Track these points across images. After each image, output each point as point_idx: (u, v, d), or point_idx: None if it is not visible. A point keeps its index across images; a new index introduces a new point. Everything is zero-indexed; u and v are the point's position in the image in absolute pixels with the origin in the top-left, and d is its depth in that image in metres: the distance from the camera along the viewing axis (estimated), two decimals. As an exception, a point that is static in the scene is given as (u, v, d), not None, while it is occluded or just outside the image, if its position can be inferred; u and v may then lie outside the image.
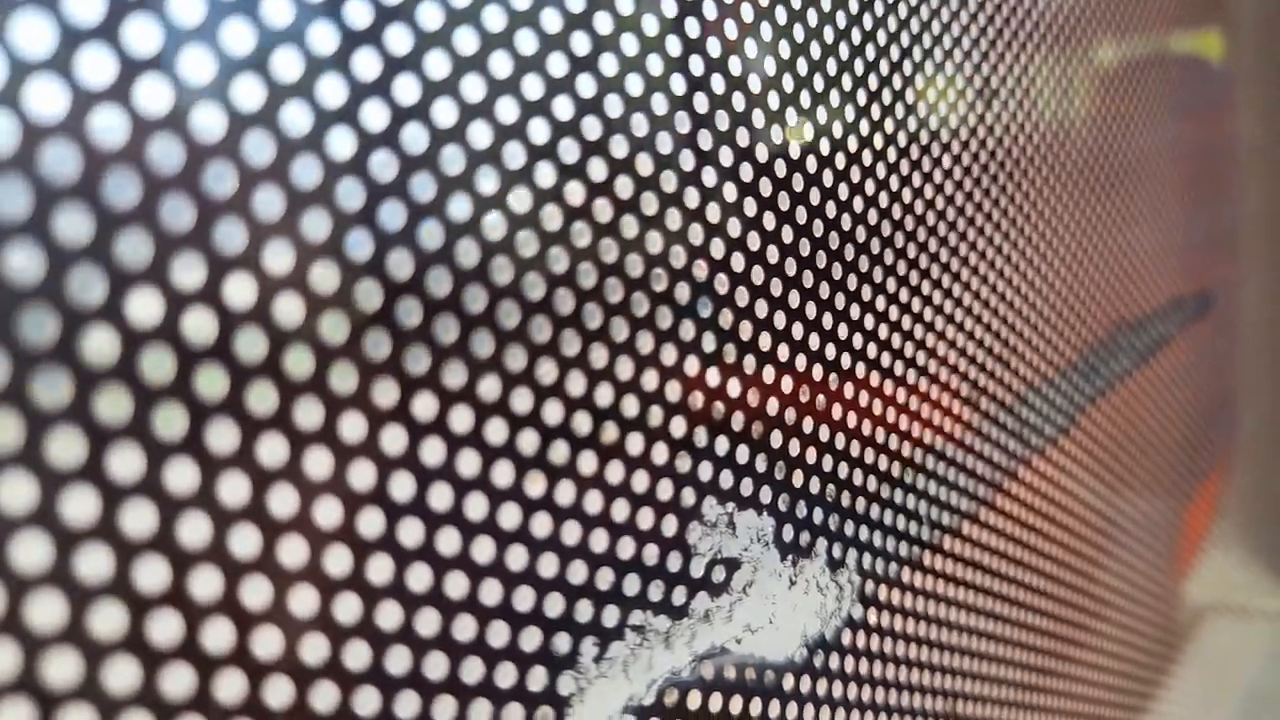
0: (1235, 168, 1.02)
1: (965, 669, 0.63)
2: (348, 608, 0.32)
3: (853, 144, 0.50)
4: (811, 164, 0.47)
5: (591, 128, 0.38)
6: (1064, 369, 0.75)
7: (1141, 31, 0.87)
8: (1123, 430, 0.91)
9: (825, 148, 0.48)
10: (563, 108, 0.37)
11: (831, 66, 0.49)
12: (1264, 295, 1.01)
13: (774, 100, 0.45)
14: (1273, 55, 0.96)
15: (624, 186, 0.39)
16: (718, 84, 0.43)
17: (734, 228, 0.41)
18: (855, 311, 0.49)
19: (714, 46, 0.43)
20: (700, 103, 0.42)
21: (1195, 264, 1.07)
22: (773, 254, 0.43)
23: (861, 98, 0.51)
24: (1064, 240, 0.72)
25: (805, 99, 0.47)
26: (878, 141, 0.52)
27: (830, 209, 0.47)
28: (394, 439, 0.33)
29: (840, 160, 0.49)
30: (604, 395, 0.39)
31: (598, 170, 0.39)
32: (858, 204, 0.49)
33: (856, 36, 0.51)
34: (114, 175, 0.26)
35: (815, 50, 0.48)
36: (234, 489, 0.29)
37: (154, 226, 0.27)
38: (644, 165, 0.40)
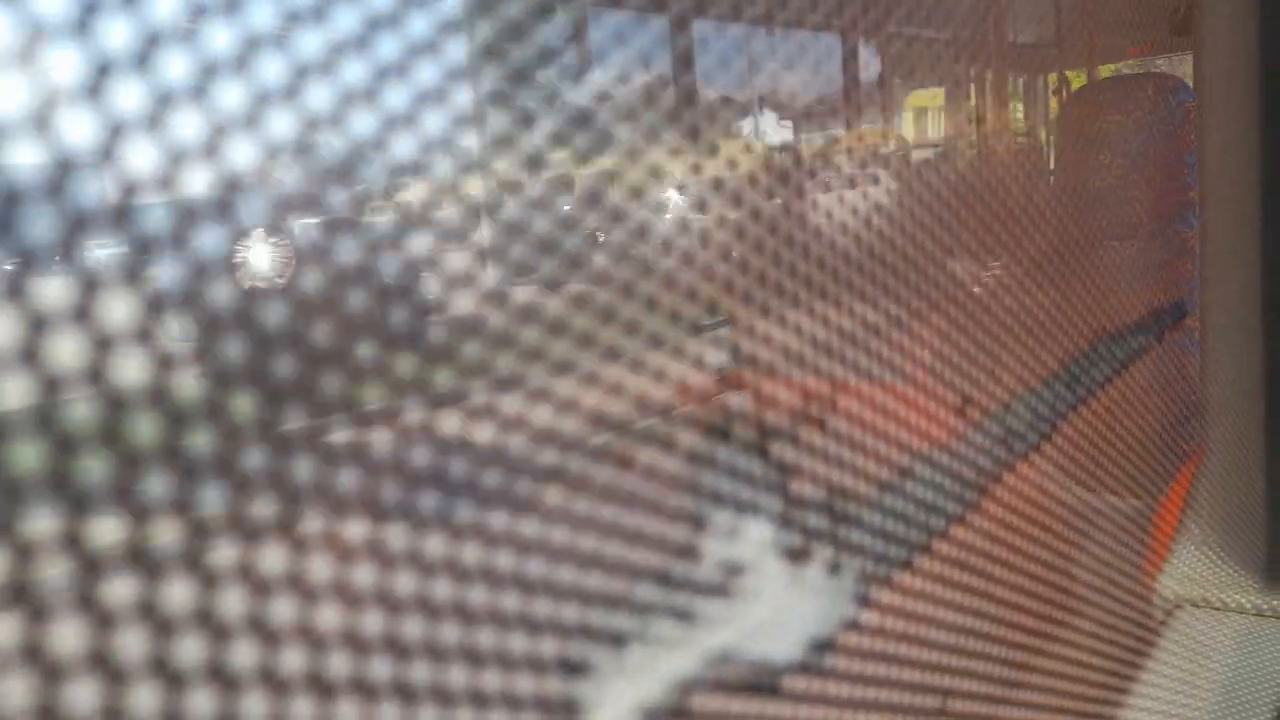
0: (1202, 181, 1.05)
1: (953, 665, 0.65)
2: (363, 621, 0.33)
3: (860, 162, 0.52)
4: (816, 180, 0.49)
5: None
6: (1047, 378, 0.77)
7: (1114, 52, 0.89)
8: (1099, 432, 0.93)
9: (818, 166, 0.50)
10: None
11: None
12: (1231, 302, 1.04)
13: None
14: (1238, 71, 0.99)
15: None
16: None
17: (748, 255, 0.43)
18: (849, 324, 0.51)
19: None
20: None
21: (1169, 275, 1.10)
22: (775, 273, 0.45)
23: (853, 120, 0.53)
24: (1047, 255, 0.74)
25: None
26: (870, 158, 0.54)
27: (829, 225, 0.49)
28: (421, 455, 0.34)
29: (833, 171, 0.51)
30: (615, 406, 0.41)
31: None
32: (852, 222, 0.51)
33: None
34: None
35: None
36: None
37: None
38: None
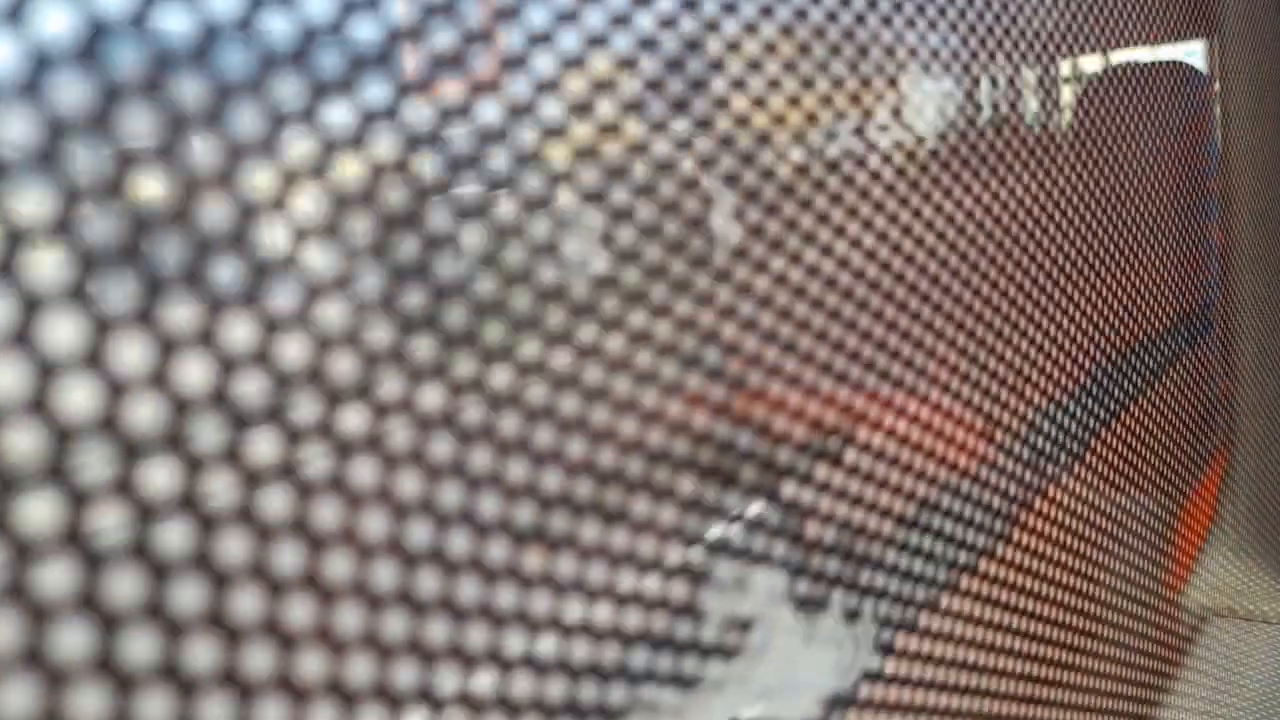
0: (1226, 176, 1.00)
1: (978, 709, 0.60)
2: (322, 715, 0.29)
3: (850, 158, 0.48)
4: (807, 177, 0.44)
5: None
6: (1077, 393, 0.72)
7: (1134, 45, 0.85)
8: (1121, 440, 0.89)
9: (818, 162, 0.45)
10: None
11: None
12: (1258, 302, 0.99)
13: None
14: (1259, 64, 0.94)
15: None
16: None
17: (741, 271, 0.38)
18: (866, 349, 0.46)
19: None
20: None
21: (1195, 276, 1.05)
22: (780, 293, 0.40)
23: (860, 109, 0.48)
24: (1071, 260, 0.70)
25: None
26: (877, 157, 0.49)
27: (826, 233, 0.44)
28: (377, 524, 0.30)
29: (836, 175, 0.46)
30: (604, 456, 0.36)
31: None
32: (854, 228, 0.46)
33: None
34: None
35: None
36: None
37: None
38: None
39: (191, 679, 0.25)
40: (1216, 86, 1.03)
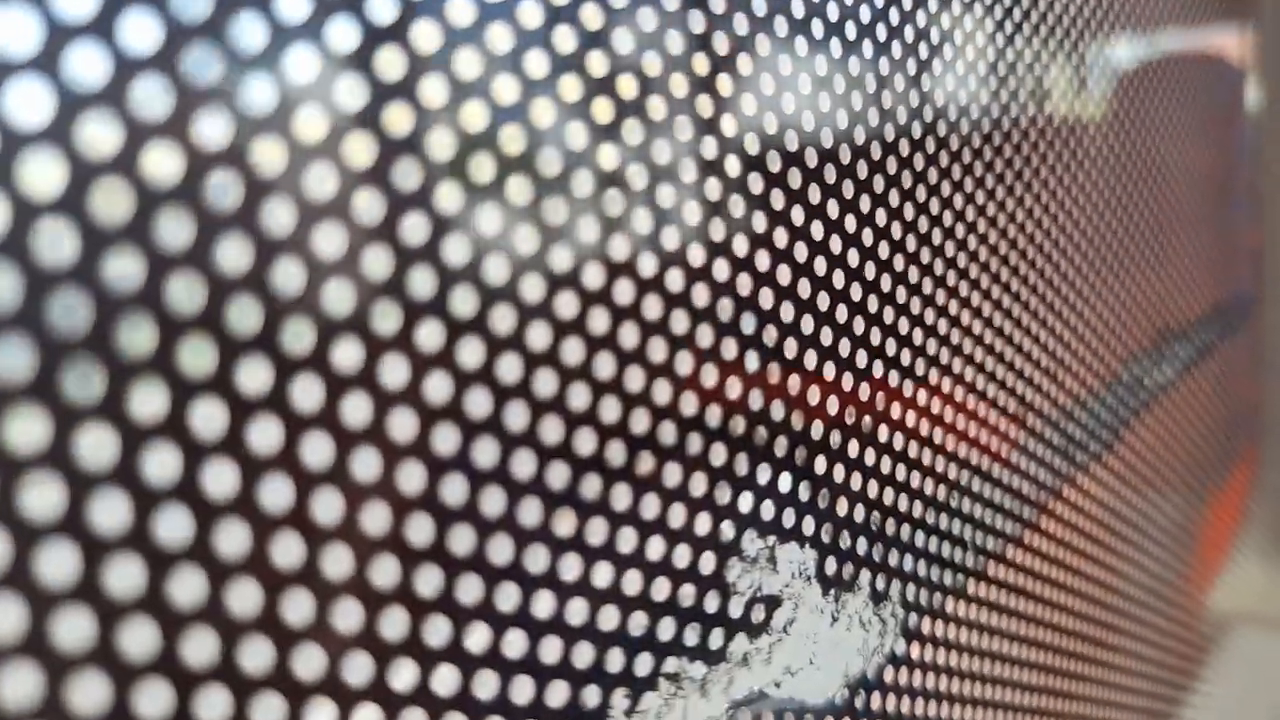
0: (1259, 168, 0.98)
1: (999, 699, 0.59)
2: (360, 668, 0.29)
3: (896, 143, 0.47)
4: (860, 164, 0.43)
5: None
6: (1110, 382, 0.71)
7: (1169, 32, 0.83)
8: (1153, 439, 0.87)
9: (867, 143, 0.45)
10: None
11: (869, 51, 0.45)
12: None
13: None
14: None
15: (690, 212, 0.36)
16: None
17: (780, 238, 0.38)
18: (903, 325, 0.46)
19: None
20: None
21: (1230, 268, 1.03)
22: (820, 265, 0.40)
23: (902, 96, 0.47)
24: (1108, 247, 0.69)
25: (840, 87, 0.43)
26: (924, 142, 0.49)
27: (880, 214, 0.43)
28: (411, 477, 0.30)
29: (889, 160, 0.45)
30: (639, 422, 0.36)
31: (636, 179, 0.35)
32: (908, 210, 0.45)
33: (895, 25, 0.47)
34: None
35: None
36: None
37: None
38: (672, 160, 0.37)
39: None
40: (1250, 77, 1.01)
